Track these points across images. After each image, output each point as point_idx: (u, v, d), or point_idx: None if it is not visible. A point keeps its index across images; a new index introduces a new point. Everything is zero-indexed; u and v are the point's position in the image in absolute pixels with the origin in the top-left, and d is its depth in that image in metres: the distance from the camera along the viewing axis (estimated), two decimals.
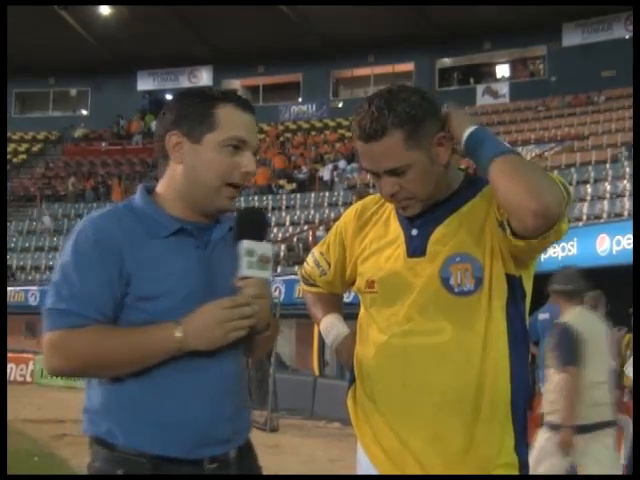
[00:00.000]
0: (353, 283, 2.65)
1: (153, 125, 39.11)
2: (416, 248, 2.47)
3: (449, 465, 2.40)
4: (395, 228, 2.54)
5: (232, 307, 2.22)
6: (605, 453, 6.05)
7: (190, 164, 2.29)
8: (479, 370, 2.39)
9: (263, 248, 2.26)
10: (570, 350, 5.83)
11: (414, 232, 2.48)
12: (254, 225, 2.31)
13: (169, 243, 2.28)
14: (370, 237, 2.59)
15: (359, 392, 2.57)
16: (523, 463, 2.46)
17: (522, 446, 2.47)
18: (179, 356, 2.23)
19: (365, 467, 2.55)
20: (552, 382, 5.98)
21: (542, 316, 8.45)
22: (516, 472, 2.44)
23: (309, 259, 2.80)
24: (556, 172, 24.02)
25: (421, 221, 2.48)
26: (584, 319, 6.15)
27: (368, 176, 27.14)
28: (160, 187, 2.38)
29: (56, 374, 2.30)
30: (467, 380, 2.39)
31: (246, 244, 2.23)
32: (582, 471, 5.93)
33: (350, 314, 2.78)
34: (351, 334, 2.67)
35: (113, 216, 2.31)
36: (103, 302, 2.23)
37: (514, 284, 2.45)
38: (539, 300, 8.16)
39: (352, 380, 2.62)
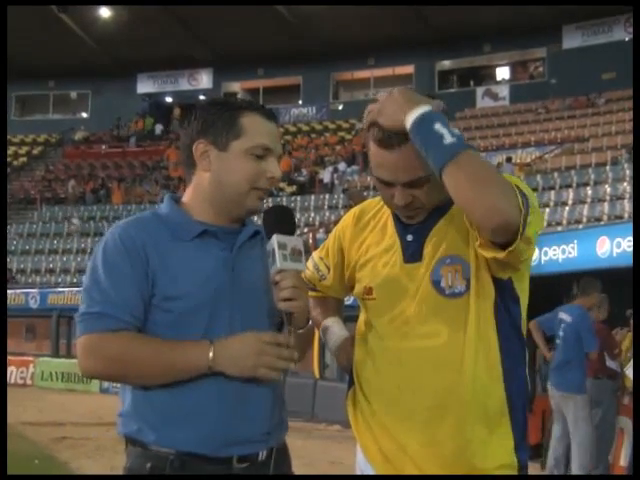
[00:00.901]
0: (353, 287, 2.65)
1: (157, 128, 39.25)
2: (412, 254, 2.45)
3: (446, 468, 2.40)
4: (391, 234, 2.52)
5: (272, 343, 2.24)
6: None
7: (217, 171, 2.34)
8: (472, 373, 2.38)
9: (294, 241, 2.30)
10: None
11: (409, 238, 2.47)
12: (282, 220, 2.34)
13: (194, 246, 2.33)
14: (367, 243, 2.58)
15: (358, 395, 2.57)
16: (522, 465, 2.45)
17: (522, 448, 2.46)
18: None
19: (364, 469, 2.56)
20: None
21: (564, 316, 8.40)
22: (515, 474, 2.43)
23: (309, 264, 2.78)
24: (556, 174, 24.08)
25: (416, 227, 2.46)
26: None
27: (368, 178, 27.16)
28: (187, 196, 2.43)
29: (90, 376, 2.34)
30: (460, 383, 2.38)
31: (278, 238, 2.27)
32: None
33: (350, 317, 2.79)
34: (350, 338, 2.68)
35: (139, 222, 2.37)
36: (135, 304, 2.27)
37: (503, 287, 2.41)
38: (546, 301, 8.16)
39: (351, 383, 2.63)
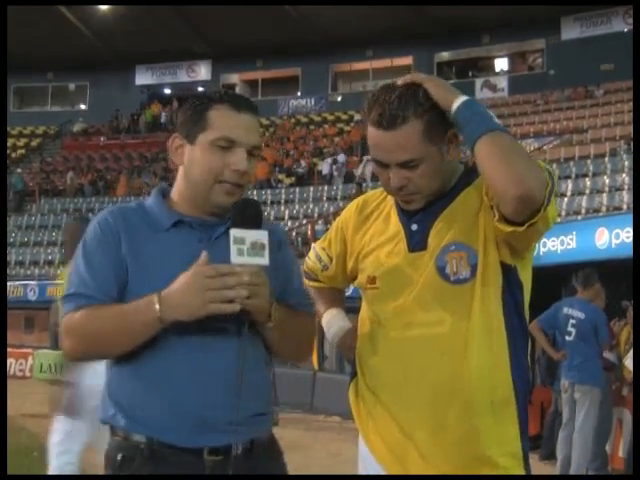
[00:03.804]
0: (355, 278, 2.64)
1: (163, 117, 39.12)
2: (417, 243, 2.45)
3: (452, 456, 2.39)
4: (395, 223, 2.52)
5: (214, 275, 2.19)
6: None
7: (187, 164, 2.39)
8: (478, 359, 2.38)
9: (255, 235, 2.25)
10: None
11: (414, 227, 2.47)
12: (244, 214, 2.30)
13: (171, 236, 2.36)
14: (371, 233, 2.57)
15: (361, 385, 2.57)
16: (525, 453, 2.46)
17: (525, 436, 2.46)
18: (175, 342, 2.27)
19: (366, 459, 2.55)
20: None
21: (573, 312, 8.37)
22: (519, 462, 2.43)
23: (311, 254, 2.80)
24: (555, 166, 24.03)
25: (420, 215, 2.46)
26: None
27: (363, 169, 27.15)
28: (172, 188, 2.49)
29: (72, 358, 2.37)
30: (465, 370, 2.38)
31: (234, 232, 2.24)
32: None
33: (351, 308, 2.78)
34: (352, 328, 2.67)
35: (120, 210, 2.43)
36: (106, 282, 2.31)
37: (509, 273, 2.43)
38: (545, 292, 8.14)
39: (353, 374, 2.62)
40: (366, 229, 2.59)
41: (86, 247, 2.36)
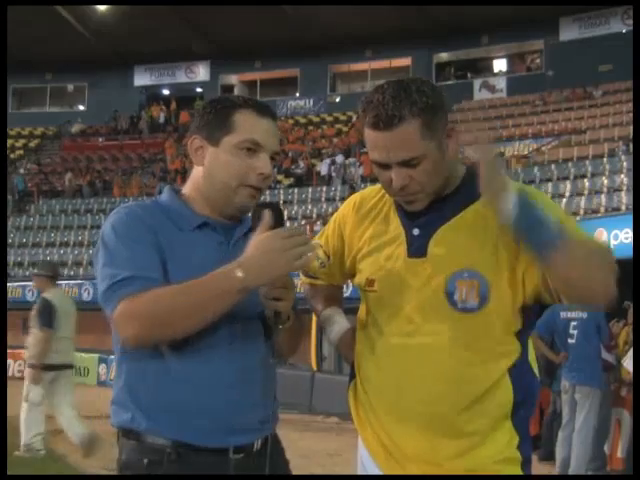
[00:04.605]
0: (353, 275, 2.62)
1: (162, 117, 39.12)
2: (417, 249, 2.43)
3: (446, 465, 2.38)
4: (396, 226, 2.49)
5: (288, 236, 2.19)
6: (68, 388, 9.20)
7: (209, 166, 2.39)
8: (476, 370, 2.36)
9: None
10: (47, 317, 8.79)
11: (416, 232, 2.44)
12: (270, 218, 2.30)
13: (194, 236, 2.36)
14: (370, 233, 2.55)
15: (359, 389, 2.56)
16: (526, 459, 2.44)
17: (526, 442, 2.44)
18: (197, 343, 2.25)
19: (366, 462, 2.54)
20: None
21: (573, 314, 8.36)
22: (517, 467, 2.41)
23: None
24: (553, 166, 24.05)
25: (423, 220, 2.43)
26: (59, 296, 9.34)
27: (360, 170, 27.16)
28: (186, 188, 2.47)
29: (136, 344, 2.24)
30: (463, 393, 2.36)
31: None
32: None
33: (350, 309, 2.77)
34: (352, 329, 2.66)
35: (144, 207, 2.41)
36: (156, 266, 2.26)
37: (530, 313, 2.42)
38: None
39: (353, 375, 2.61)
40: (364, 228, 2.57)
41: (123, 236, 2.28)
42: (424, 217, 2.43)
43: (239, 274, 2.16)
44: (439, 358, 2.36)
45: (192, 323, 2.20)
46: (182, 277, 2.22)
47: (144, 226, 2.30)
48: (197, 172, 2.42)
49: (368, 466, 2.54)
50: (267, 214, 2.22)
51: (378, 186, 2.58)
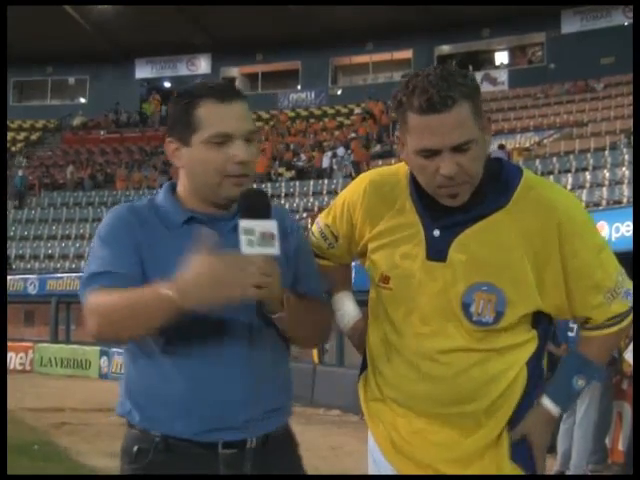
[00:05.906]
0: (363, 255, 2.55)
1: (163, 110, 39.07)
2: (437, 252, 2.34)
3: (461, 466, 2.39)
4: (413, 222, 2.39)
5: (232, 266, 2.13)
6: None
7: (187, 166, 2.37)
8: (491, 380, 2.36)
9: (264, 225, 2.21)
10: None
11: (436, 233, 2.35)
12: (252, 205, 2.28)
13: (183, 232, 2.33)
14: (383, 224, 2.45)
15: (371, 382, 2.53)
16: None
17: None
18: (190, 339, 2.27)
19: (376, 456, 2.53)
20: None
21: None
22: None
23: (314, 229, 2.68)
24: (555, 159, 24.02)
25: (445, 221, 2.34)
26: None
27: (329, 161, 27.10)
28: (178, 185, 2.47)
29: (97, 338, 2.28)
30: (479, 390, 2.36)
31: (243, 223, 2.21)
32: None
33: (360, 301, 2.70)
34: (363, 318, 2.61)
35: (132, 207, 2.42)
36: (128, 264, 2.28)
37: (546, 330, 2.46)
38: None
39: (364, 366, 2.57)
40: (377, 217, 2.47)
41: (105, 237, 2.33)
42: (446, 218, 2.34)
43: (170, 294, 2.12)
44: (457, 364, 2.35)
45: (138, 330, 2.21)
46: (157, 276, 2.21)
47: (126, 227, 2.33)
48: (181, 172, 2.41)
49: (378, 458, 2.52)
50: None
51: (388, 170, 2.52)
